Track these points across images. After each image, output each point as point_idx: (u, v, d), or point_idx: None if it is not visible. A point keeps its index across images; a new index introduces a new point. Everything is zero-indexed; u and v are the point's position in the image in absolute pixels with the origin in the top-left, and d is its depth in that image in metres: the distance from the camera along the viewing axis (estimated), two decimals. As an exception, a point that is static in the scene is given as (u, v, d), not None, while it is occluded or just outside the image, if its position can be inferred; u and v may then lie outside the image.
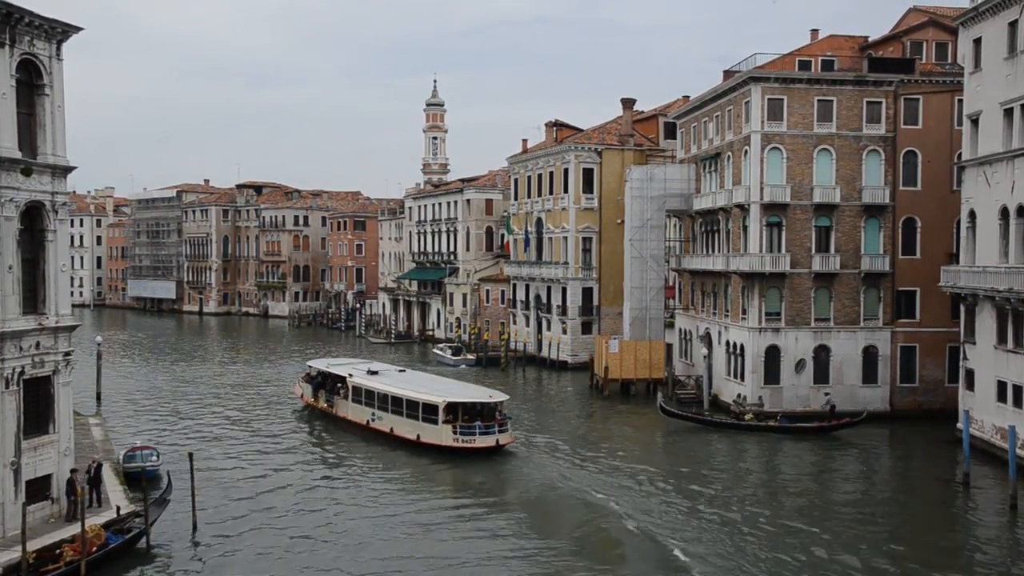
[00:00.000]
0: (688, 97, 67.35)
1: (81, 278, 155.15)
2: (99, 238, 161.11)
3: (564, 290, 71.46)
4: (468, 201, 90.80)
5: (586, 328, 70.94)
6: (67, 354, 29.26)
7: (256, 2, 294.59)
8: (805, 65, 50.85)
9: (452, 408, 41.88)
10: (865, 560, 27.42)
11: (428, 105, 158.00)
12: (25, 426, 27.56)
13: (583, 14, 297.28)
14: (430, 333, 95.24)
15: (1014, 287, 37.54)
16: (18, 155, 27.19)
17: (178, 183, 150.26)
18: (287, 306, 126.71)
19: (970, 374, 42.36)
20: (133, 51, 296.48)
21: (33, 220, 28.27)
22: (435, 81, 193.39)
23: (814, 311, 49.75)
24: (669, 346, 61.20)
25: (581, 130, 77.55)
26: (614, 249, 67.47)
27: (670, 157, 68.01)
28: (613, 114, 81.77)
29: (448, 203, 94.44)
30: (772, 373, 49.23)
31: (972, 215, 42.03)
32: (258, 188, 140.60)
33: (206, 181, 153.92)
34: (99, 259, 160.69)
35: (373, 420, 45.69)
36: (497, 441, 41.26)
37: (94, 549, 25.96)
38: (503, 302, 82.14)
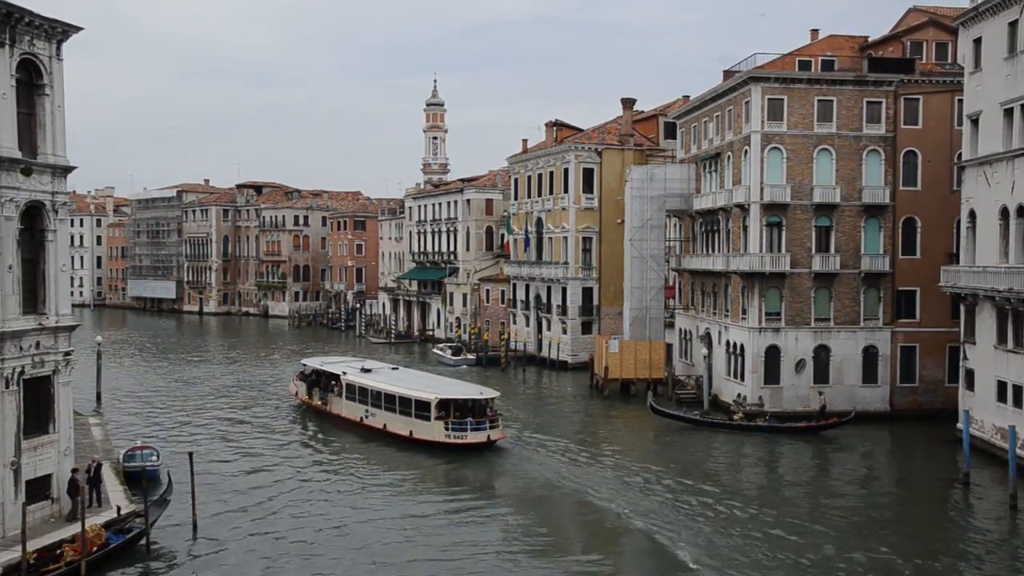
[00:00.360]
0: (688, 97, 67.35)
1: (81, 278, 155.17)
2: (99, 238, 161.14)
3: (564, 290, 71.47)
4: (468, 201, 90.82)
5: (586, 328, 70.95)
6: (67, 354, 29.27)
7: (256, 2, 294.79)
8: (805, 65, 50.86)
9: (444, 405, 42.59)
10: (865, 560, 27.42)
11: (428, 105, 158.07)
12: (25, 426, 27.57)
13: (583, 14, 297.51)
14: (430, 333, 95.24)
15: (1014, 287, 37.54)
16: (18, 155, 27.19)
17: (178, 183, 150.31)
18: (287, 306, 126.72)
19: (970, 374, 42.36)
20: (133, 51, 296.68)
21: (33, 220, 28.27)
22: (435, 81, 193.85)
23: (814, 311, 49.76)
24: (669, 346, 61.20)
25: (581, 130, 77.57)
26: (614, 249, 67.47)
27: (670, 157, 68.02)
28: (613, 114, 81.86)
29: (448, 203, 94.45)
30: (772, 373, 49.23)
31: (972, 215, 42.04)
32: (258, 188, 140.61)
33: (206, 181, 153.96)
34: (99, 259, 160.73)
35: (367, 417, 46.35)
36: (488, 437, 42.00)
37: (94, 549, 25.98)
38: (503, 302, 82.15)
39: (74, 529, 26.67)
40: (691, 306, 60.08)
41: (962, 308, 43.39)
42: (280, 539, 29.22)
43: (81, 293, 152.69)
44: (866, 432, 46.25)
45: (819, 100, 49.27)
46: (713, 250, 55.82)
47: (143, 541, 27.74)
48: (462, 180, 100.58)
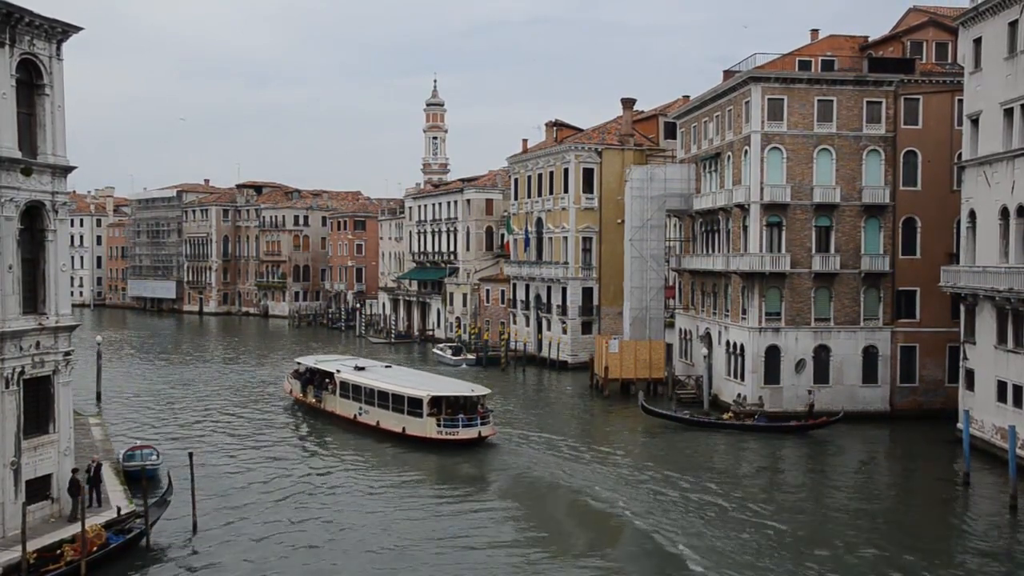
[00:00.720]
0: (688, 97, 67.35)
1: (81, 278, 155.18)
2: (99, 238, 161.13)
3: (564, 290, 71.47)
4: (468, 201, 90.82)
5: (586, 328, 70.95)
6: (67, 354, 29.27)
7: (256, 2, 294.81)
8: (805, 65, 50.86)
9: (436, 402, 43.43)
10: (864, 559, 27.43)
11: (428, 105, 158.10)
12: (25, 426, 27.56)
13: (583, 14, 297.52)
14: (430, 333, 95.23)
15: (1014, 287, 37.54)
16: (18, 155, 27.19)
17: (178, 183, 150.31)
18: (287, 306, 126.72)
19: (970, 374, 42.37)
20: (133, 51, 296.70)
21: (33, 220, 28.26)
22: (435, 81, 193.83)
23: (814, 311, 49.76)
24: (669, 346, 61.20)
25: (581, 130, 77.57)
26: (614, 249, 67.47)
27: (670, 157, 68.01)
28: (613, 114, 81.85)
29: (448, 203, 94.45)
30: (772, 373, 49.24)
31: (972, 215, 42.04)
32: (258, 188, 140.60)
33: (206, 181, 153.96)
34: (99, 259, 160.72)
35: (360, 414, 47.09)
36: (479, 433, 42.76)
37: (94, 549, 25.96)
38: (503, 302, 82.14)
39: (74, 529, 26.66)
40: (691, 306, 60.08)
41: (962, 308, 43.39)
42: (279, 538, 29.22)
43: (81, 293, 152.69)
44: (866, 432, 46.30)
45: (819, 100, 49.27)
46: (713, 250, 55.82)
47: (143, 541, 27.74)
48: (462, 180, 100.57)
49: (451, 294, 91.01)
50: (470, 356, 74.41)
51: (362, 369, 50.87)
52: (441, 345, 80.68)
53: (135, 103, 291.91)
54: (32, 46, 27.69)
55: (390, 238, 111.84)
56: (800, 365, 49.26)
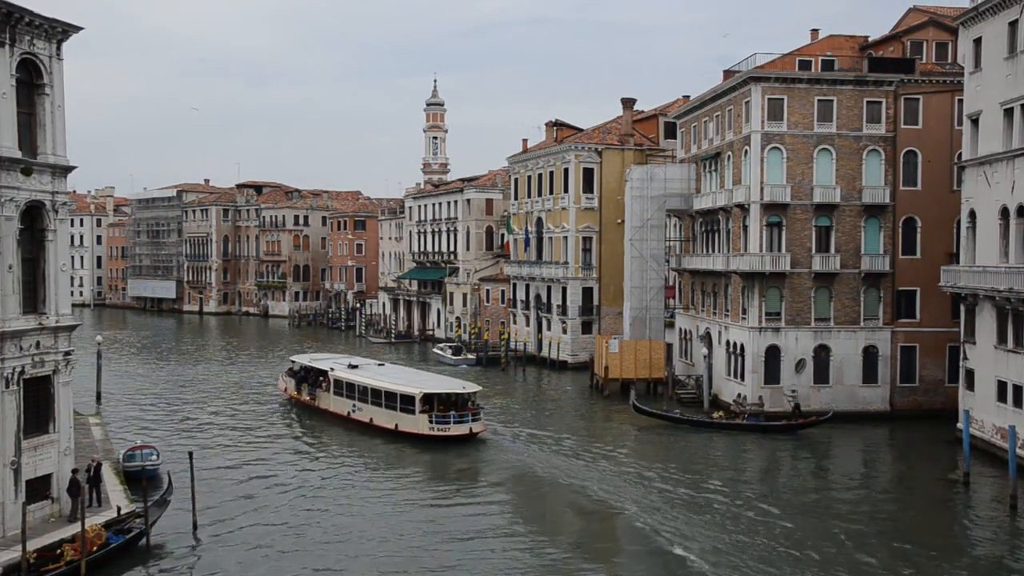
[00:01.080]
0: (688, 97, 67.37)
1: (81, 278, 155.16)
2: (99, 238, 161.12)
3: (564, 290, 71.47)
4: (468, 201, 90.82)
5: (586, 328, 70.96)
6: (67, 354, 29.27)
7: (256, 2, 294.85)
8: (805, 65, 50.86)
9: (428, 399, 44.28)
10: (864, 559, 27.41)
11: (428, 105, 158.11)
12: (25, 426, 27.57)
13: (583, 14, 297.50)
14: (430, 333, 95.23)
15: (1014, 287, 37.54)
16: (18, 155, 27.19)
17: (178, 183, 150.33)
18: (287, 306, 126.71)
19: (970, 374, 42.36)
20: (133, 51, 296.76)
21: (33, 220, 28.27)
22: (435, 81, 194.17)
23: (814, 311, 49.76)
24: (669, 346, 61.20)
25: (581, 130, 77.58)
26: (614, 249, 67.48)
27: (670, 157, 68.01)
28: (613, 114, 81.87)
29: (448, 203, 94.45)
30: (772, 373, 49.24)
31: (972, 215, 42.04)
32: (258, 188, 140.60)
33: (206, 181, 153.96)
34: (99, 259, 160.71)
35: (354, 411, 47.96)
36: (471, 429, 43.68)
37: (94, 549, 25.96)
38: (503, 302, 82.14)
39: (74, 529, 26.66)
40: (691, 306, 60.08)
41: (962, 308, 43.38)
42: (279, 537, 29.26)
43: (81, 293, 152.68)
44: (866, 432, 46.31)
45: (819, 100, 49.27)
46: (713, 250, 55.82)
47: (143, 541, 27.73)
48: (462, 180, 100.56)
49: (451, 294, 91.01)
50: (470, 356, 74.42)
51: (355, 367, 51.75)
52: (441, 345, 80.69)
53: (135, 103, 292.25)
54: (32, 46, 27.69)
55: (390, 238, 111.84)
56: (800, 365, 49.26)
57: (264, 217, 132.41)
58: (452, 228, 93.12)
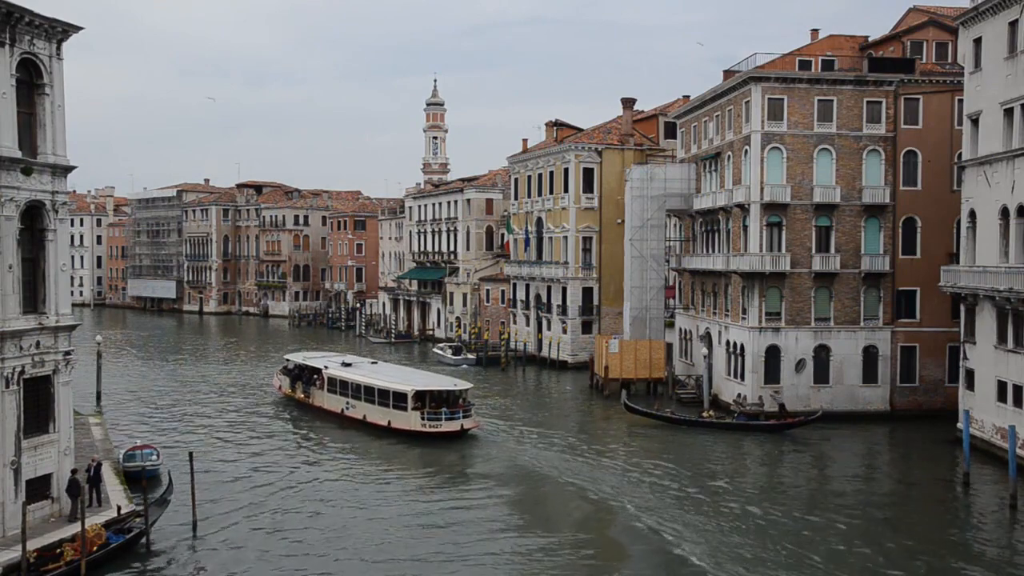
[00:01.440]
0: (688, 97, 67.36)
1: (81, 277, 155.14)
2: (99, 237, 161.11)
3: (564, 290, 71.47)
4: (468, 201, 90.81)
5: (586, 328, 70.97)
6: (67, 353, 29.26)
7: (256, 2, 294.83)
8: (805, 65, 50.87)
9: (420, 396, 45.10)
10: (864, 559, 27.42)
11: (428, 105, 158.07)
12: (25, 425, 27.56)
13: (583, 14, 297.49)
14: (430, 333, 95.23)
15: (1014, 287, 37.54)
16: (18, 154, 27.18)
17: (178, 183, 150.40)
18: (287, 305, 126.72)
19: (970, 374, 42.36)
20: (133, 51, 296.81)
21: (33, 220, 28.26)
22: (435, 81, 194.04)
23: (814, 311, 49.76)
24: (669, 346, 61.20)
25: (581, 130, 77.57)
26: (614, 249, 67.48)
27: (670, 157, 68.01)
28: (613, 114, 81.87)
29: (448, 203, 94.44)
30: (772, 373, 49.25)
31: (972, 215, 42.04)
32: (258, 188, 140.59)
33: (206, 181, 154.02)
34: (99, 259, 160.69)
35: (347, 409, 48.72)
36: (462, 426, 44.52)
37: (94, 548, 25.97)
38: (503, 302, 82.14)
39: (74, 528, 26.66)
40: (691, 306, 60.08)
41: (962, 308, 43.38)
42: (279, 536, 29.32)
43: (81, 293, 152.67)
44: (866, 432, 46.32)
45: (819, 100, 49.27)
46: (713, 250, 55.82)
47: (143, 541, 27.74)
48: (462, 180, 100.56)
49: (451, 294, 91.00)
50: (470, 356, 74.41)
51: (349, 365, 52.72)
52: (441, 345, 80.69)
53: (135, 103, 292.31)
54: (32, 46, 27.69)
55: (390, 238, 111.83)
56: (800, 365, 49.26)
57: (264, 217, 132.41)
58: (452, 228, 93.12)
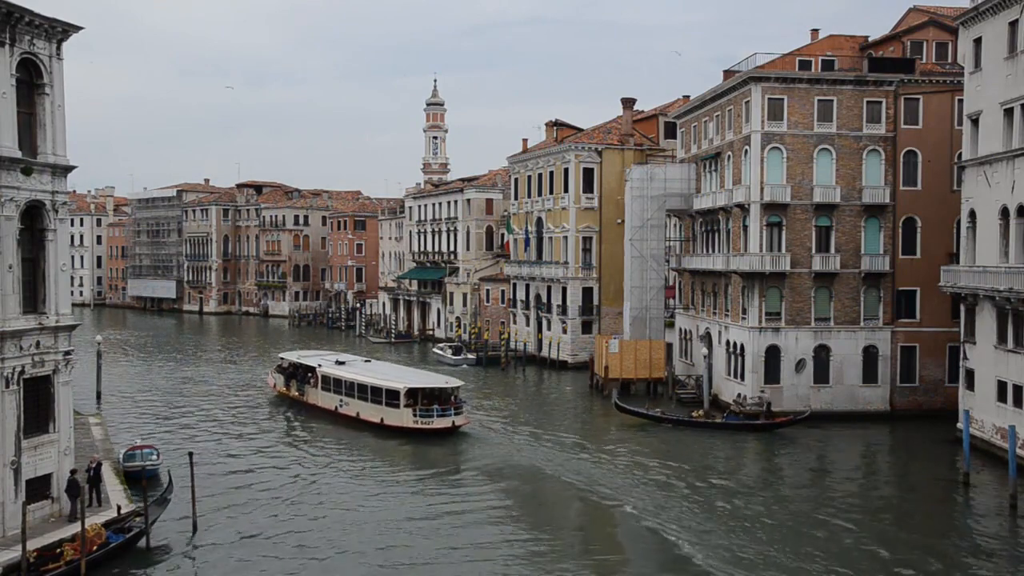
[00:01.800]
0: (688, 97, 67.36)
1: (81, 277, 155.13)
2: (99, 237, 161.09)
3: (564, 290, 71.47)
4: (468, 201, 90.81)
5: (586, 328, 70.97)
6: (67, 353, 29.26)
7: (256, 2, 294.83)
8: (805, 65, 50.87)
9: (412, 393, 45.86)
10: (864, 559, 27.42)
11: (428, 105, 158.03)
12: (25, 425, 27.57)
13: (583, 14, 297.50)
14: (430, 333, 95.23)
15: (1014, 287, 37.54)
16: (18, 154, 27.19)
17: (178, 183, 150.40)
18: (287, 305, 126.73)
19: (970, 374, 42.36)
20: (133, 51, 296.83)
21: (33, 219, 28.27)
22: (435, 81, 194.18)
23: (814, 311, 49.76)
24: (669, 346, 61.20)
25: (581, 130, 77.57)
26: (614, 249, 67.48)
27: (670, 157, 68.01)
28: (613, 114, 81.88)
29: (448, 203, 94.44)
30: (772, 373, 49.25)
31: (972, 215, 42.04)
32: (258, 188, 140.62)
33: (206, 181, 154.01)
34: (99, 258, 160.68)
35: (341, 406, 49.35)
36: (453, 423, 45.24)
37: (94, 548, 25.97)
38: (503, 302, 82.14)
39: (74, 528, 26.67)
40: (691, 306, 60.08)
41: (962, 308, 43.38)
42: (279, 535, 29.31)
43: (81, 293, 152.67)
44: (866, 432, 46.32)
45: (819, 100, 49.27)
46: (713, 250, 55.82)
47: (143, 540, 27.74)
48: (462, 180, 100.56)
49: (451, 294, 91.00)
50: (470, 356, 74.41)
51: (343, 363, 53.35)
52: (441, 345, 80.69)
53: (135, 103, 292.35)
54: (32, 45, 27.70)
55: (390, 238, 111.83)
56: (800, 365, 49.27)
57: (264, 217, 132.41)
58: (452, 228, 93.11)
